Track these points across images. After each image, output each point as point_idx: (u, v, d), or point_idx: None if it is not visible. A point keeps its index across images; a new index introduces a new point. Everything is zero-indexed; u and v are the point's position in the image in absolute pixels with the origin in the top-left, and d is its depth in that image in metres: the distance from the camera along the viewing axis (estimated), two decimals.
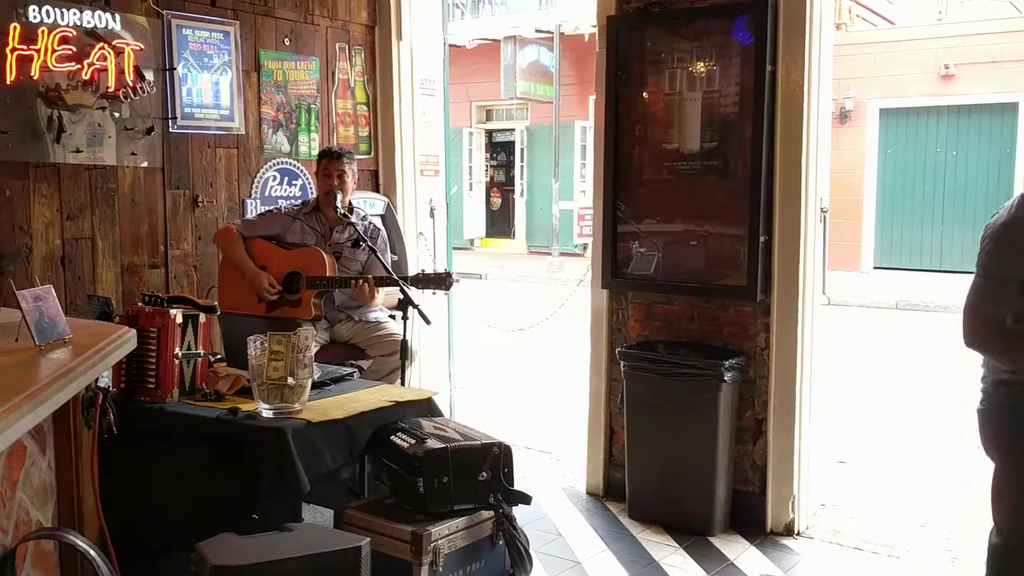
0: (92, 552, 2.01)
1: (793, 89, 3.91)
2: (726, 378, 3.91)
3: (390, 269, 4.19)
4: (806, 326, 4.01)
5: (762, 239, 3.97)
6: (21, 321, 2.14)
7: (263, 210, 4.67)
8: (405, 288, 3.94)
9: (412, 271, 5.19)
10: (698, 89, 4.14)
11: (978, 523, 4.21)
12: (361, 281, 4.09)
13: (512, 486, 2.98)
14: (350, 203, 4.47)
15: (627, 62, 4.29)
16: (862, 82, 14.53)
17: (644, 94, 4.28)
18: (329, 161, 4.37)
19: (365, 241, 4.24)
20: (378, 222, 4.74)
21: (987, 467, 2.62)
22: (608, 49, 4.31)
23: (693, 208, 4.18)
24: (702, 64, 4.12)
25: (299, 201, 4.72)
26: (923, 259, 14.89)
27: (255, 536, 2.46)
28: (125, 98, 4.23)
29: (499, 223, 19.56)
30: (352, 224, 4.30)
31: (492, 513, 2.94)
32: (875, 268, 15.10)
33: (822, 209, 4.13)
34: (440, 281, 4.02)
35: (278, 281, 4.24)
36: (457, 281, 4.08)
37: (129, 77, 4.22)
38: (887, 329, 10.41)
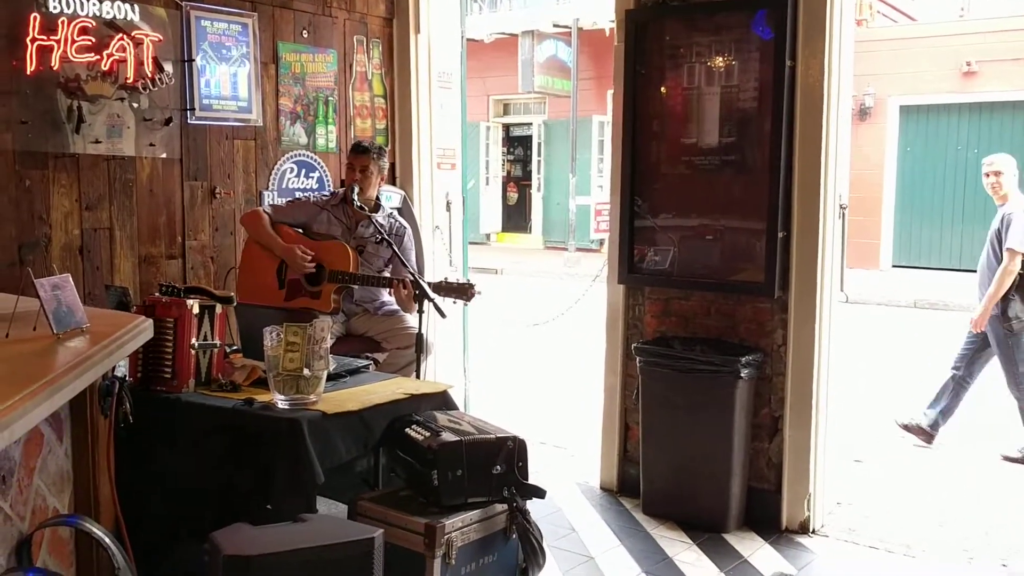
0: (107, 540, 2.02)
1: (813, 84, 3.88)
2: (742, 375, 3.89)
3: (414, 272, 4.14)
4: (824, 323, 3.99)
5: (780, 235, 3.95)
6: (39, 309, 2.15)
7: (291, 198, 4.69)
8: (422, 282, 3.93)
9: (429, 264, 5.19)
10: (716, 84, 4.12)
11: (994, 524, 4.18)
12: (398, 284, 4.07)
13: (526, 480, 2.97)
14: (377, 199, 4.47)
15: (645, 56, 4.26)
16: (882, 79, 14.42)
17: (662, 88, 4.26)
18: (354, 156, 4.37)
19: (389, 241, 4.21)
20: (405, 223, 4.71)
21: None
22: (626, 43, 4.29)
23: (711, 203, 4.16)
24: (721, 59, 4.09)
25: (328, 192, 4.72)
26: (942, 258, 14.76)
27: (269, 526, 2.46)
28: (144, 89, 4.25)
29: (515, 218, 19.55)
30: (374, 221, 4.28)
31: (506, 507, 2.93)
32: (894, 266, 14.99)
33: (841, 206, 4.10)
34: (462, 291, 3.97)
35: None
36: (479, 294, 4.02)
37: (148, 68, 4.24)
38: (905, 328, 10.33)
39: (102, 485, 2.44)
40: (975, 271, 5.73)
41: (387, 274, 4.36)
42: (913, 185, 15.03)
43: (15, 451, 1.87)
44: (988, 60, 13.92)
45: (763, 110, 3.98)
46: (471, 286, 4.01)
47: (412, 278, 4.01)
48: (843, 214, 4.15)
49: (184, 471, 3.10)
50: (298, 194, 4.81)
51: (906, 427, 5.48)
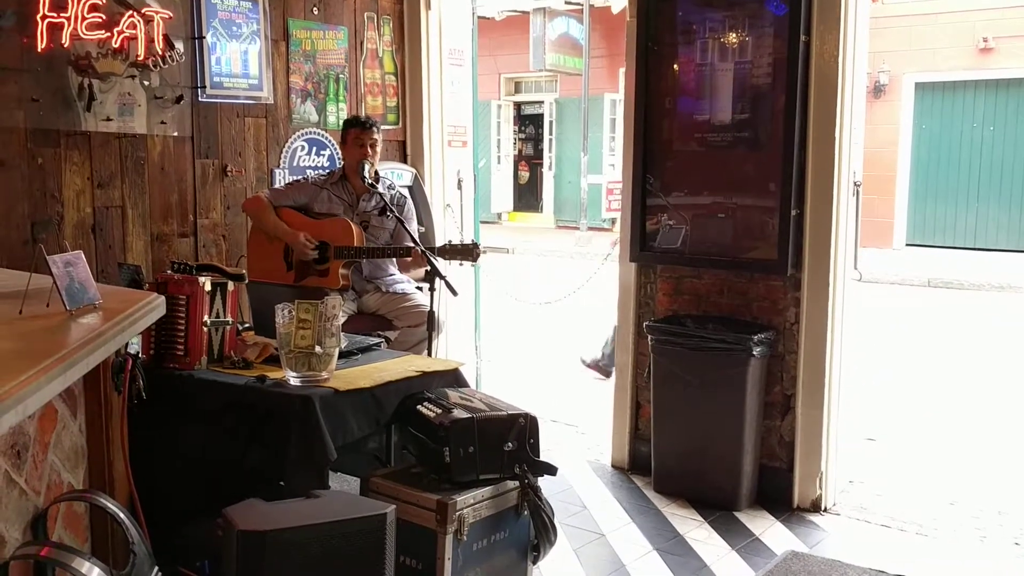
0: (122, 515, 2.03)
1: (827, 61, 3.84)
2: (755, 353, 3.88)
3: (416, 238, 4.19)
4: (837, 301, 3.97)
5: (793, 212, 3.92)
6: (52, 286, 2.16)
7: (290, 180, 4.68)
8: (433, 260, 3.93)
9: (439, 243, 5.19)
10: (730, 60, 4.08)
11: (1007, 502, 4.17)
12: (403, 255, 4.10)
13: (538, 457, 2.97)
14: (376, 171, 4.47)
15: (658, 33, 4.23)
16: (898, 56, 14.27)
17: (675, 65, 4.22)
18: (362, 131, 4.35)
19: (392, 211, 4.24)
20: (405, 191, 4.73)
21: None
22: (639, 19, 4.25)
23: (723, 180, 4.14)
24: (734, 35, 4.05)
25: (326, 171, 4.72)
26: (956, 237, 14.66)
27: (282, 502, 2.48)
28: (155, 67, 4.23)
29: (527, 197, 19.50)
30: (379, 193, 4.30)
31: (517, 483, 2.94)
32: (907, 245, 14.91)
33: (855, 183, 4.07)
34: (467, 252, 4.01)
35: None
36: (484, 252, 4.06)
37: (159, 46, 4.22)
38: (919, 307, 10.29)
39: (116, 461, 2.45)
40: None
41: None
42: (928, 163, 14.91)
43: (29, 426, 1.88)
44: (1005, 36, 13.75)
45: (777, 87, 3.94)
46: (476, 246, 4.02)
47: (415, 244, 4.05)
48: (857, 192, 4.12)
49: (197, 447, 3.11)
50: (308, 172, 4.81)
51: (587, 364, 6.41)
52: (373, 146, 4.33)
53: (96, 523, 2.35)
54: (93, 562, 1.79)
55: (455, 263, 4.12)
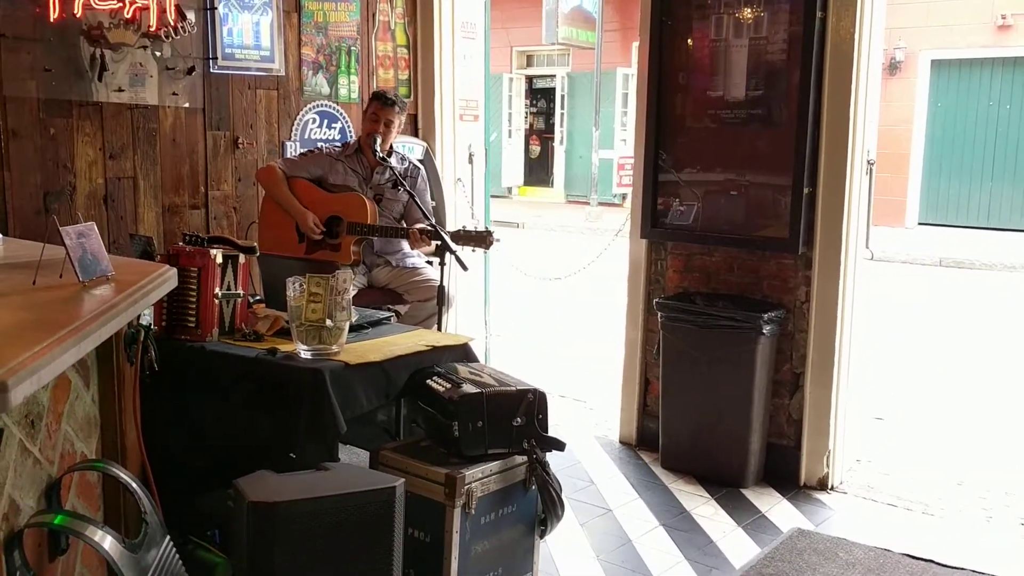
0: (134, 484, 2.05)
1: (843, 37, 3.81)
2: (764, 331, 3.88)
3: (429, 213, 4.18)
4: (848, 281, 3.96)
5: (806, 191, 3.90)
6: (65, 257, 2.16)
7: (304, 150, 4.67)
8: (443, 234, 3.93)
9: (450, 217, 5.19)
10: (745, 36, 4.05)
11: (1014, 483, 4.18)
12: (412, 233, 4.10)
13: (546, 432, 2.99)
14: (391, 146, 4.46)
15: (672, 8, 4.19)
16: (914, 32, 14.12)
17: (689, 40, 4.19)
18: (381, 107, 4.34)
19: (403, 184, 4.23)
20: (419, 164, 4.72)
21: None
22: None
23: (736, 158, 4.11)
24: (749, 10, 4.02)
25: (340, 142, 4.71)
26: (970, 216, 14.57)
27: (292, 474, 2.50)
28: (167, 37, 4.22)
29: (538, 171, 19.44)
30: (391, 167, 4.30)
31: (525, 458, 2.95)
32: (920, 224, 14.82)
33: (869, 162, 4.04)
34: (481, 239, 3.98)
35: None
36: (498, 240, 4.03)
37: (170, 16, 4.20)
38: (930, 286, 10.25)
39: (128, 431, 2.47)
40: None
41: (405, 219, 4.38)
42: (942, 141, 14.79)
43: (44, 396, 1.89)
44: None
45: (792, 63, 3.91)
46: (489, 233, 4.01)
47: (428, 222, 4.04)
48: (870, 170, 4.09)
49: (208, 419, 3.14)
50: (320, 145, 4.80)
51: None
52: (388, 124, 4.32)
53: (109, 493, 2.37)
54: (106, 531, 1.81)
55: (467, 248, 4.11)
